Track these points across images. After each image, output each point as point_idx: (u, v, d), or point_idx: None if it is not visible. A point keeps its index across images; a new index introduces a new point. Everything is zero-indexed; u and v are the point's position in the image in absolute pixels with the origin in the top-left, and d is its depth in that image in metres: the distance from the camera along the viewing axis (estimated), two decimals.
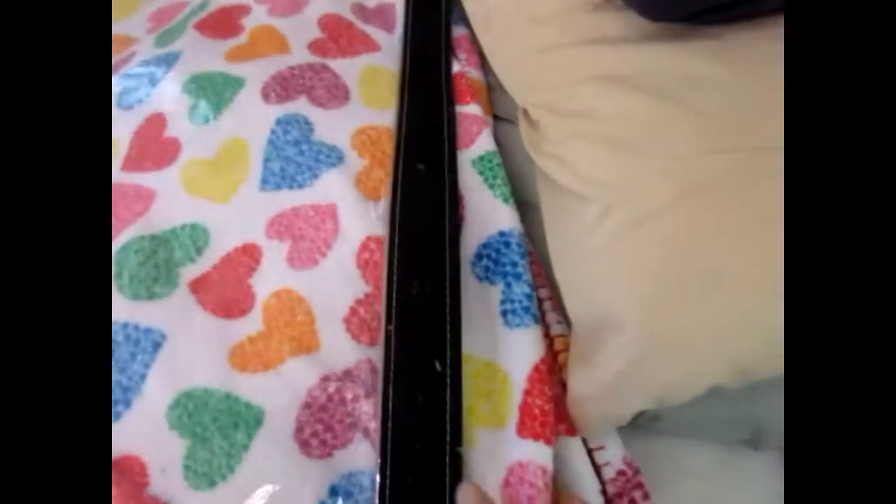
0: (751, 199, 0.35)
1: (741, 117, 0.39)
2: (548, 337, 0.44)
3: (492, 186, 0.53)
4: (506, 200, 0.52)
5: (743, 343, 0.33)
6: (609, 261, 0.39)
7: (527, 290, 0.46)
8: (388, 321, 0.45)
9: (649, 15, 0.49)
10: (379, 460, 0.40)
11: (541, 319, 0.45)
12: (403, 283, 0.48)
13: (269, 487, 0.41)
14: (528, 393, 0.42)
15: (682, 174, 0.38)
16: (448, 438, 0.40)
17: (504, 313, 0.46)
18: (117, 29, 0.74)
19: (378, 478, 0.39)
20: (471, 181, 0.55)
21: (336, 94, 0.62)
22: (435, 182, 0.54)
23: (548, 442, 0.40)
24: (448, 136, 0.58)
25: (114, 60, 0.69)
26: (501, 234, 0.50)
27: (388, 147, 0.57)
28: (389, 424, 0.41)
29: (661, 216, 0.37)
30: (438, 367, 0.43)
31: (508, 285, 0.47)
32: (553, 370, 0.43)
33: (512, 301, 0.46)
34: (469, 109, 0.60)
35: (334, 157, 0.56)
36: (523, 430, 0.41)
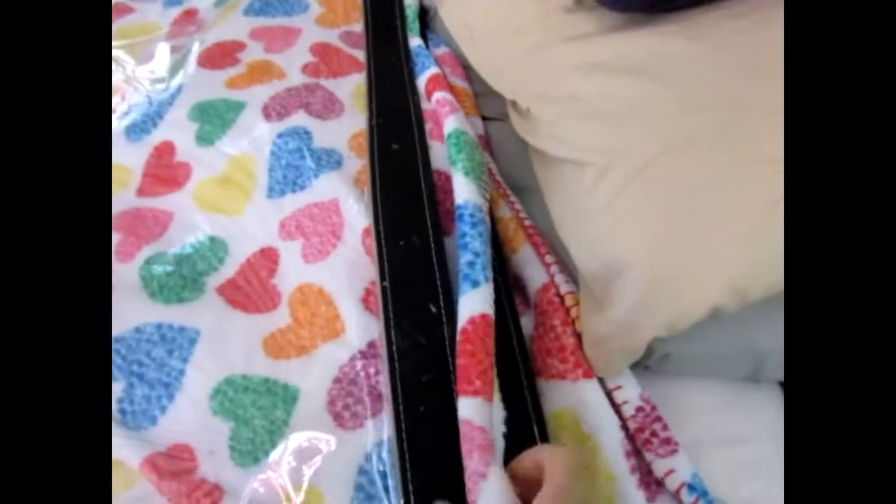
0: (733, 144, 0.39)
1: (713, 83, 0.44)
2: (558, 295, 0.47)
3: (454, 162, 0.55)
4: (466, 174, 0.52)
5: (737, 265, 0.37)
6: (612, 214, 0.43)
7: (469, 257, 0.46)
8: (382, 278, 0.48)
9: (618, 8, 0.54)
10: (390, 396, 0.42)
11: (550, 279, 0.48)
12: (390, 240, 0.51)
13: (312, 458, 0.43)
14: (461, 353, 0.41)
15: (667, 132, 0.43)
16: (452, 369, 0.42)
17: None
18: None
19: (392, 412, 0.42)
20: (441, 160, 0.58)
21: (331, 107, 0.67)
22: (408, 156, 0.58)
23: (486, 397, 0.39)
24: (416, 121, 0.62)
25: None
26: (457, 207, 0.51)
27: None
28: (396, 365, 0.44)
29: (653, 168, 0.41)
30: (433, 309, 0.46)
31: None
32: (566, 322, 0.46)
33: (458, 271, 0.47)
34: (439, 96, 0.64)
35: (333, 161, 0.60)
36: (457, 387, 0.40)
